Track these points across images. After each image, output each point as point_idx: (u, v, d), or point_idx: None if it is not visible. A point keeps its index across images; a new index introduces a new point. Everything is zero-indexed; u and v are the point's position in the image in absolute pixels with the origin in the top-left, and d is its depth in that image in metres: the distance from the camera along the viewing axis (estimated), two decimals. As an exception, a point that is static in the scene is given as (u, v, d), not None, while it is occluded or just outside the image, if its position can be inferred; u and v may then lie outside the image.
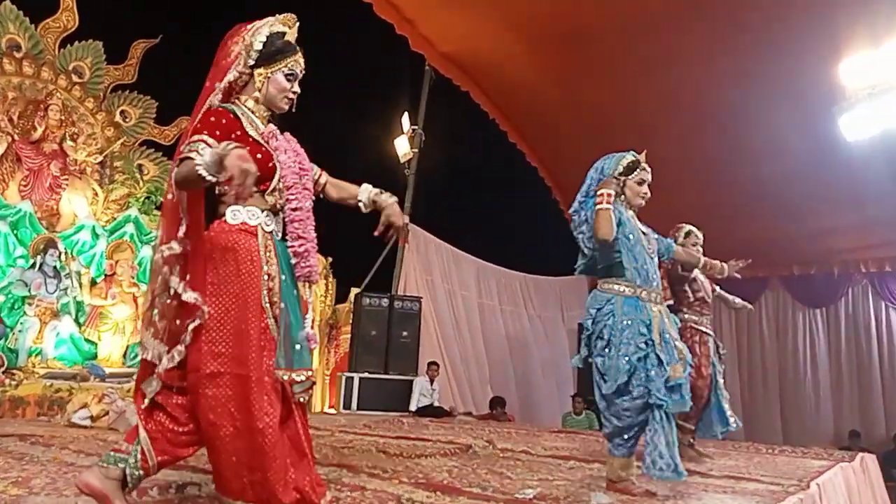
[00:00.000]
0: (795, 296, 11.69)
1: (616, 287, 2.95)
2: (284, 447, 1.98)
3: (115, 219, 7.48)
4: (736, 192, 9.43)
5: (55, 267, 6.43)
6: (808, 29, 6.92)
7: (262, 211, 2.10)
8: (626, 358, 2.81)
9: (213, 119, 2.06)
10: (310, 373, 2.11)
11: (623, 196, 3.14)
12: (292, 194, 2.15)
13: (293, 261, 2.14)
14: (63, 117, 7.30)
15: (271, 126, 2.21)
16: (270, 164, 2.11)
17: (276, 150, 2.15)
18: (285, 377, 1.98)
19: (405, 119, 8.94)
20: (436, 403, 7.74)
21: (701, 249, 4.59)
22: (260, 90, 2.18)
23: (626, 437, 2.91)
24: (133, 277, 6.90)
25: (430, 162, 9.14)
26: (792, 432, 10.81)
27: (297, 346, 2.05)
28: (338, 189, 2.40)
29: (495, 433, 5.54)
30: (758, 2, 6.91)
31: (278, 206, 2.15)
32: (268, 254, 2.06)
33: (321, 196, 2.37)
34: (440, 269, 9.44)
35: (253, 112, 2.18)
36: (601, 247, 2.94)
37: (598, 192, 2.94)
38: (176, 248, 2.02)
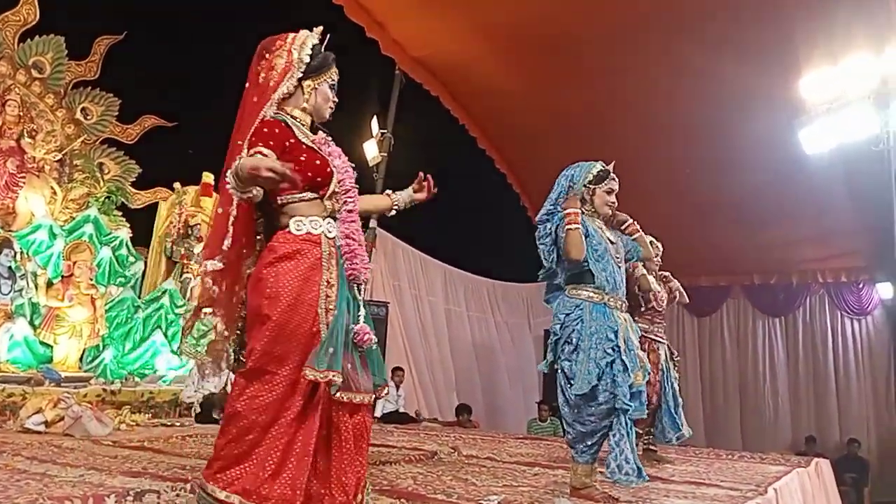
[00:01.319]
0: (756, 304, 11.97)
1: (584, 293, 2.99)
2: (300, 448, 2.01)
3: (73, 218, 7.29)
4: (700, 202, 9.63)
5: (10, 267, 6.23)
6: (772, 44, 7.12)
7: (324, 218, 2.19)
8: (594, 362, 2.84)
9: (266, 130, 2.12)
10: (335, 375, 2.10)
11: (591, 205, 3.18)
12: (350, 197, 2.25)
13: (343, 262, 2.20)
14: (21, 113, 7.09)
15: (321, 133, 2.33)
16: (328, 170, 2.20)
17: (331, 156, 2.25)
18: (334, 379, 2.01)
19: (374, 123, 8.91)
20: (401, 409, 7.71)
21: (660, 261, 4.69)
22: (308, 101, 2.29)
23: (589, 443, 2.94)
24: (91, 279, 6.72)
25: (398, 166, 9.11)
26: (751, 438, 11.05)
27: (331, 350, 2.05)
28: (365, 204, 2.47)
29: (460, 440, 5.53)
30: (724, 17, 7.08)
31: (336, 210, 2.23)
32: (330, 260, 2.15)
33: None
34: (408, 275, 9.43)
35: (298, 121, 2.27)
36: (570, 265, 3.01)
37: (566, 212, 2.99)
38: (218, 265, 2.13)
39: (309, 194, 2.17)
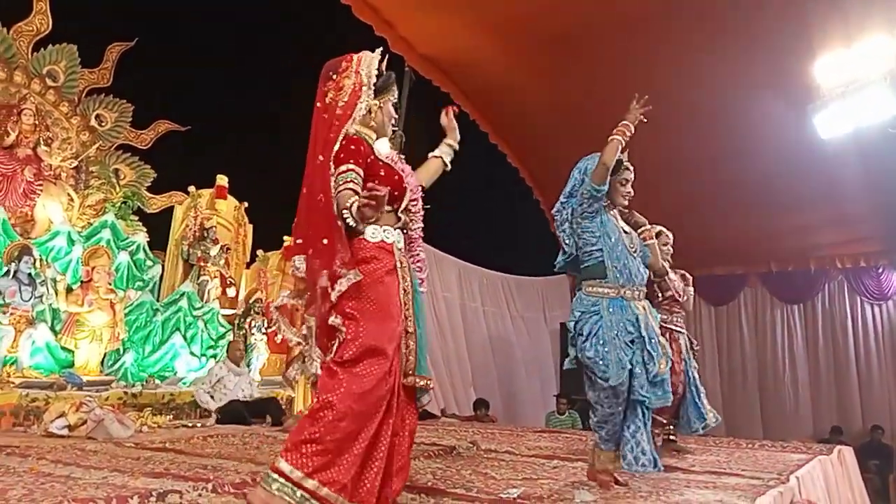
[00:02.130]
0: (773, 292, 11.85)
1: (600, 290, 3.00)
2: (386, 452, 2.13)
3: (90, 224, 7.37)
4: (714, 190, 9.53)
5: (30, 274, 6.32)
6: (783, 28, 7.02)
7: (395, 229, 2.33)
8: (623, 351, 2.88)
9: (353, 147, 2.27)
10: (430, 381, 2.35)
11: (607, 196, 3.18)
12: (419, 215, 2.44)
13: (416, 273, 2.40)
14: (37, 122, 7.17)
15: (392, 151, 2.53)
16: (403, 185, 2.37)
17: (405, 173, 2.44)
18: (420, 383, 2.26)
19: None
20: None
21: (671, 250, 4.67)
22: (375, 118, 2.45)
23: (609, 427, 2.97)
24: (110, 284, 6.79)
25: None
26: (771, 427, 10.95)
27: (426, 356, 2.33)
28: (423, 171, 2.71)
29: (479, 434, 5.54)
30: (735, 2, 6.99)
31: (406, 224, 2.41)
32: (403, 269, 2.30)
33: None
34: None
35: (369, 138, 2.43)
36: (594, 180, 3.02)
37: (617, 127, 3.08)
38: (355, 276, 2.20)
39: (386, 207, 2.27)
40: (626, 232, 3.15)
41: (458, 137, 2.76)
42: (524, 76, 8.85)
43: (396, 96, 2.53)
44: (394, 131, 9.45)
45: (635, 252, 3.14)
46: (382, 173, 2.29)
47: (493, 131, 10.36)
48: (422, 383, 2.25)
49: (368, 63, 2.40)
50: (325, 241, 2.17)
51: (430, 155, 2.75)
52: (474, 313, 10.53)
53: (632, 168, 3.23)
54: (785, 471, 3.49)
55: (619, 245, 3.04)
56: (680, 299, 4.58)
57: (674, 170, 9.27)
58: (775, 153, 8.66)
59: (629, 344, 2.90)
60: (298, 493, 1.93)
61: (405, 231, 2.40)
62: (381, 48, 2.50)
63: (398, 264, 2.27)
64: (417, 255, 2.43)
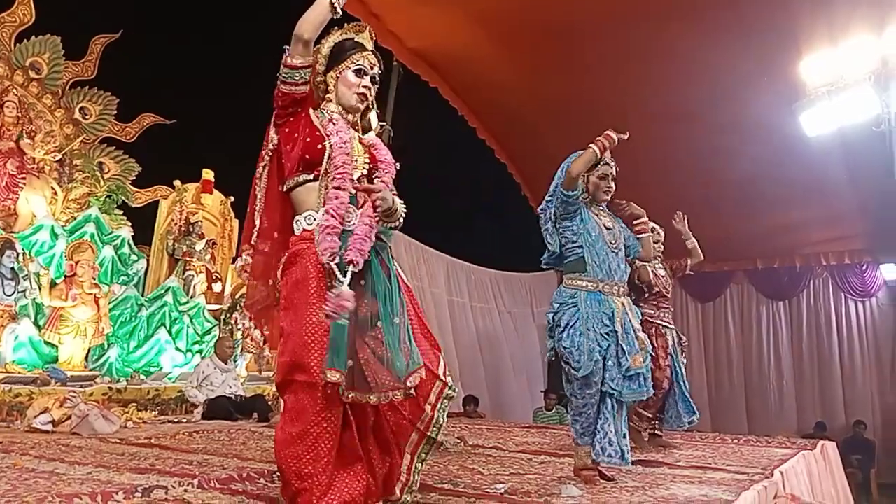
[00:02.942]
0: (759, 289, 11.95)
1: (579, 283, 3.08)
2: (336, 455, 1.97)
3: (74, 218, 7.30)
4: (701, 187, 9.58)
5: (13, 268, 6.25)
6: (770, 27, 7.06)
7: (318, 210, 2.09)
8: (596, 342, 2.94)
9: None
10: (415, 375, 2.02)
11: (587, 192, 3.21)
12: (339, 173, 2.09)
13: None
14: (20, 114, 7.09)
15: (335, 115, 2.23)
16: (320, 146, 2.11)
17: (330, 135, 2.14)
18: (330, 378, 1.89)
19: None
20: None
21: (662, 247, 4.70)
22: (332, 92, 2.27)
23: (583, 421, 3.03)
24: (94, 278, 6.73)
25: (398, 158, 9.08)
26: (756, 422, 11.06)
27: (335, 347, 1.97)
28: None
29: (466, 430, 5.55)
30: (722, 0, 7.03)
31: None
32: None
33: None
34: (409, 267, 9.41)
35: (333, 112, 2.24)
36: (565, 187, 3.09)
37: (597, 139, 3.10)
38: (248, 259, 2.18)
39: (304, 177, 2.13)
40: (608, 228, 3.19)
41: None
42: (513, 72, 8.84)
43: (360, 63, 2.25)
44: (381, 125, 9.44)
45: (617, 249, 3.18)
46: (302, 137, 2.12)
47: (482, 126, 10.34)
48: (334, 378, 1.90)
49: (325, 41, 2.28)
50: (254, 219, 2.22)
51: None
52: (462, 309, 10.53)
53: (612, 163, 3.25)
54: (769, 466, 3.53)
55: (598, 241, 3.11)
56: (667, 294, 4.61)
57: (660, 166, 9.31)
58: (762, 150, 8.73)
59: (604, 336, 2.97)
60: None
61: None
62: (363, 23, 2.38)
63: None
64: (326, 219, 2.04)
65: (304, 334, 1.95)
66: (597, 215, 3.22)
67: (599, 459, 2.97)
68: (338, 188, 2.07)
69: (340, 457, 1.99)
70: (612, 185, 3.26)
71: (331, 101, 2.28)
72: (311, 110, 2.20)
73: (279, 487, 2.09)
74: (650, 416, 4.39)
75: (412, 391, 2.01)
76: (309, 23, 2.08)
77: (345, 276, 1.95)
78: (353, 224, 2.06)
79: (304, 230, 2.09)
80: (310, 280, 2.00)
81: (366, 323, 1.99)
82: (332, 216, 2.03)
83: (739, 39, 7.27)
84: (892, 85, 6.49)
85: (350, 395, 1.93)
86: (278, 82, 2.12)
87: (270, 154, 2.23)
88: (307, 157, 2.11)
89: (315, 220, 2.08)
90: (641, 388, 3.01)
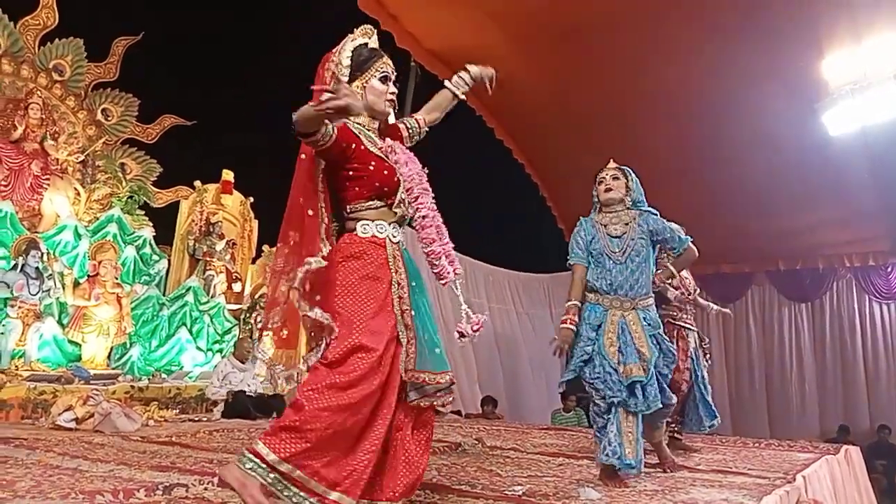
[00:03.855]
0: (781, 290, 11.79)
1: (589, 295, 3.24)
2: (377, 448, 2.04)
3: (97, 219, 7.39)
4: (722, 188, 9.50)
5: (37, 268, 6.34)
6: (792, 25, 6.97)
7: (390, 224, 2.25)
8: (580, 350, 3.16)
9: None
10: (448, 375, 2.21)
11: (597, 198, 3.35)
12: (421, 204, 2.27)
13: (433, 266, 2.33)
14: (44, 116, 7.19)
15: (388, 140, 2.33)
16: (395, 179, 2.24)
17: (398, 164, 2.27)
18: (420, 378, 2.12)
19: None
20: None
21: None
22: (363, 101, 2.27)
23: (600, 421, 3.12)
24: (117, 278, 6.81)
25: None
26: (778, 426, 10.92)
27: (437, 350, 2.21)
28: (432, 110, 2.63)
29: (484, 431, 5.54)
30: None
31: (405, 217, 2.30)
32: (396, 263, 2.22)
33: (428, 130, 2.59)
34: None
35: (364, 126, 2.29)
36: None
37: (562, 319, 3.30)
38: (322, 263, 2.13)
39: (377, 202, 2.23)
40: (614, 237, 3.22)
41: (481, 71, 2.61)
42: (530, 72, 8.82)
43: (384, 70, 2.31)
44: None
45: (624, 258, 3.18)
46: (372, 166, 2.17)
47: (499, 126, 10.33)
48: (422, 378, 2.12)
49: (342, 47, 2.31)
50: (295, 238, 2.17)
51: (447, 88, 2.63)
52: (479, 310, 10.44)
53: (607, 174, 3.32)
54: (791, 470, 3.48)
55: (601, 258, 3.20)
56: (688, 296, 4.55)
57: (682, 167, 9.23)
58: (784, 151, 8.62)
59: (587, 341, 3.15)
60: (271, 475, 1.92)
61: (402, 225, 2.32)
62: (369, 25, 2.38)
63: (391, 259, 2.21)
64: (429, 246, 2.30)
65: (373, 322, 2.07)
66: (604, 226, 3.26)
67: (599, 458, 3.04)
68: (425, 217, 2.29)
69: (363, 441, 2.04)
70: (612, 185, 3.30)
71: (360, 111, 2.27)
72: (351, 127, 2.21)
73: (263, 437, 2.01)
74: (669, 419, 4.34)
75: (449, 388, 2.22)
76: (303, 122, 2.01)
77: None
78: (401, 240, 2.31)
79: (375, 236, 2.21)
80: (382, 280, 2.16)
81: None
82: (434, 241, 2.32)
83: (761, 38, 7.19)
84: (917, 83, 6.38)
85: (407, 375, 2.11)
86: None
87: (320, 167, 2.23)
88: (385, 189, 2.22)
89: (386, 230, 2.23)
90: (647, 398, 3.05)
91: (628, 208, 3.29)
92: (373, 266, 2.16)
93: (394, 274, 2.19)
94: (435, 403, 2.19)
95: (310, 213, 2.18)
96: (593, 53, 8.11)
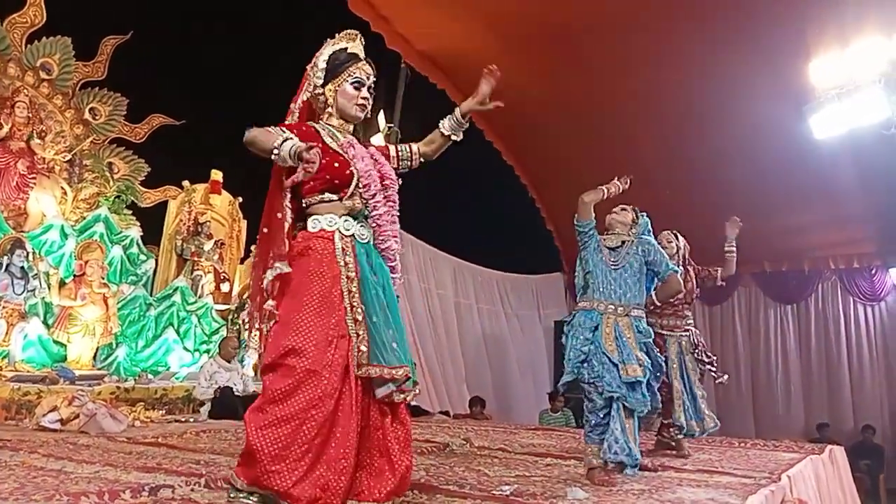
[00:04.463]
0: (767, 292, 11.88)
1: (581, 304, 3.46)
2: (325, 445, 2.01)
3: (84, 218, 7.34)
4: (710, 190, 9.55)
5: (22, 267, 6.29)
6: (780, 29, 7.04)
7: (341, 217, 2.24)
8: (576, 351, 3.29)
9: (294, 131, 2.22)
10: (402, 370, 2.13)
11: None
12: (377, 202, 2.31)
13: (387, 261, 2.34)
14: (30, 115, 7.13)
15: (349, 137, 2.36)
16: (348, 172, 2.25)
17: (354, 159, 2.29)
18: (375, 373, 2.07)
19: (381, 117, 8.91)
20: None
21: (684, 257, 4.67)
22: (332, 105, 2.36)
23: (593, 422, 3.25)
24: (103, 278, 6.76)
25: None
26: (764, 426, 10.99)
27: (394, 345, 2.15)
28: (428, 143, 2.60)
29: (472, 431, 5.54)
30: (731, 2, 7.01)
31: (359, 210, 2.29)
32: (346, 256, 2.19)
33: (422, 162, 2.59)
34: (417, 269, 9.43)
35: (335, 128, 2.35)
36: (576, 220, 3.55)
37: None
38: (286, 268, 2.17)
39: (329, 195, 2.25)
40: (611, 248, 3.47)
41: (484, 102, 2.48)
42: (520, 74, 8.84)
43: (358, 75, 2.35)
44: (389, 127, 9.50)
45: (618, 266, 3.40)
46: (325, 160, 2.16)
47: (489, 129, 10.36)
48: (376, 373, 2.06)
49: (321, 51, 2.37)
50: (265, 231, 2.23)
51: (442, 124, 2.60)
52: (468, 311, 10.54)
53: (618, 213, 3.61)
54: (776, 470, 3.51)
55: (600, 264, 3.41)
56: (675, 302, 4.54)
57: (671, 169, 9.30)
58: (770, 153, 8.69)
59: (584, 342, 3.28)
60: (252, 498, 2.04)
61: (359, 219, 2.30)
62: (354, 31, 2.43)
63: (339, 252, 2.18)
64: (384, 242, 2.34)
65: (306, 322, 2.06)
66: (603, 239, 3.50)
67: (606, 457, 3.09)
68: (381, 215, 2.32)
69: (329, 448, 2.01)
70: (618, 214, 3.59)
71: (332, 114, 2.37)
72: (317, 126, 2.32)
73: (235, 466, 2.12)
74: (665, 422, 4.38)
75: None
76: (258, 152, 2.18)
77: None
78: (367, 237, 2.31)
79: (324, 230, 2.22)
80: (325, 275, 2.13)
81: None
82: (385, 243, 2.35)
83: (748, 42, 7.25)
84: (902, 88, 6.45)
85: (361, 371, 2.07)
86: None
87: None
88: (336, 182, 2.24)
89: (336, 223, 2.23)
90: (645, 397, 3.16)
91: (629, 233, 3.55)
92: (317, 261, 2.16)
93: (342, 267, 2.16)
94: (406, 398, 2.16)
95: (279, 215, 2.24)
96: (584, 56, 8.14)
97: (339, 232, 2.22)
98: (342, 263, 2.17)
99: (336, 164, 2.23)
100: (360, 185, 2.28)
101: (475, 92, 2.47)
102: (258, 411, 2.03)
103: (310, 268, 2.15)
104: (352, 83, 2.34)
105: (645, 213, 3.65)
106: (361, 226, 2.29)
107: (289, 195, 2.27)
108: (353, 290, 2.14)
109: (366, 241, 2.28)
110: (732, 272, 4.90)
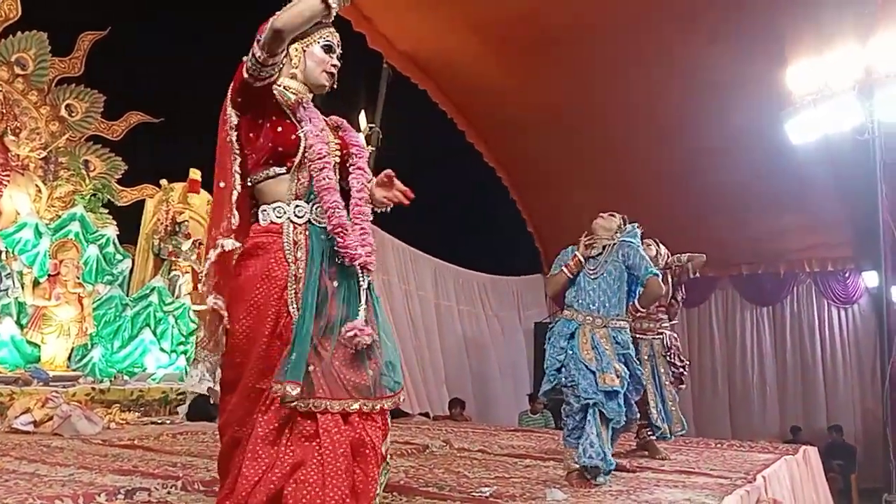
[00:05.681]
0: (743, 295, 12.05)
1: (564, 312, 3.50)
2: (261, 462, 1.74)
3: (59, 216, 7.21)
4: (687, 194, 9.67)
5: (-5, 266, 6.19)
6: (757, 35, 7.15)
7: (290, 202, 1.92)
8: (553, 359, 3.36)
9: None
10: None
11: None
12: (326, 164, 1.93)
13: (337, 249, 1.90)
14: (4, 110, 7.00)
15: (303, 97, 2.01)
16: (293, 137, 1.93)
17: (301, 121, 1.95)
18: (277, 391, 1.73)
19: (362, 117, 8.88)
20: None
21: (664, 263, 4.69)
22: (297, 66, 2.01)
23: (570, 426, 3.27)
24: (78, 277, 6.66)
25: (387, 161, 8.97)
26: (740, 427, 11.14)
27: (293, 356, 1.75)
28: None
29: (452, 433, 5.55)
30: (710, 8, 7.11)
31: (309, 188, 1.94)
32: (295, 252, 1.88)
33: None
34: (397, 269, 9.41)
35: (290, 91, 1.99)
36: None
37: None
38: (236, 244, 1.94)
39: (275, 169, 1.94)
40: (590, 257, 3.50)
41: (383, 202, 2.07)
42: (503, 76, 8.88)
43: (330, 40, 2.05)
44: (370, 127, 9.46)
45: (595, 275, 3.45)
46: (269, 124, 1.91)
47: (471, 130, 10.37)
48: (290, 391, 1.71)
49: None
50: (222, 185, 1.94)
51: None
52: (449, 312, 10.54)
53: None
54: (752, 470, 3.56)
55: (581, 277, 3.46)
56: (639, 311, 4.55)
57: (651, 173, 9.39)
58: (748, 158, 8.82)
59: (559, 350, 3.34)
60: None
61: (309, 200, 1.94)
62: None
63: (287, 247, 1.88)
64: (333, 226, 1.88)
65: (251, 333, 1.85)
66: (581, 255, 3.55)
67: (582, 461, 3.08)
68: (327, 185, 1.92)
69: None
70: (604, 219, 3.61)
71: (295, 76, 2.02)
72: (273, 87, 1.96)
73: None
74: (642, 423, 4.40)
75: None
76: (293, 17, 1.84)
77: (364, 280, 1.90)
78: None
79: (272, 223, 1.92)
80: (274, 277, 1.86)
81: (335, 328, 1.83)
82: (340, 213, 1.89)
83: (727, 46, 7.36)
84: (875, 94, 6.57)
85: (300, 404, 1.73)
86: (246, 66, 1.91)
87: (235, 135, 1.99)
88: (280, 149, 1.92)
89: (286, 212, 1.92)
90: (622, 408, 3.18)
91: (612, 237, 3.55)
92: (265, 262, 1.87)
93: (291, 265, 1.87)
94: (320, 408, 1.74)
95: (221, 184, 1.96)
96: (564, 59, 8.20)
97: (291, 221, 1.91)
98: (290, 261, 1.87)
99: (280, 129, 1.92)
100: (312, 160, 1.92)
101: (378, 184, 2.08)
102: (220, 433, 2.00)
103: (257, 270, 1.87)
104: (322, 45, 2.03)
105: (636, 224, 3.61)
106: (307, 209, 1.94)
107: (238, 159, 1.97)
108: (301, 292, 1.84)
109: (322, 224, 1.93)
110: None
